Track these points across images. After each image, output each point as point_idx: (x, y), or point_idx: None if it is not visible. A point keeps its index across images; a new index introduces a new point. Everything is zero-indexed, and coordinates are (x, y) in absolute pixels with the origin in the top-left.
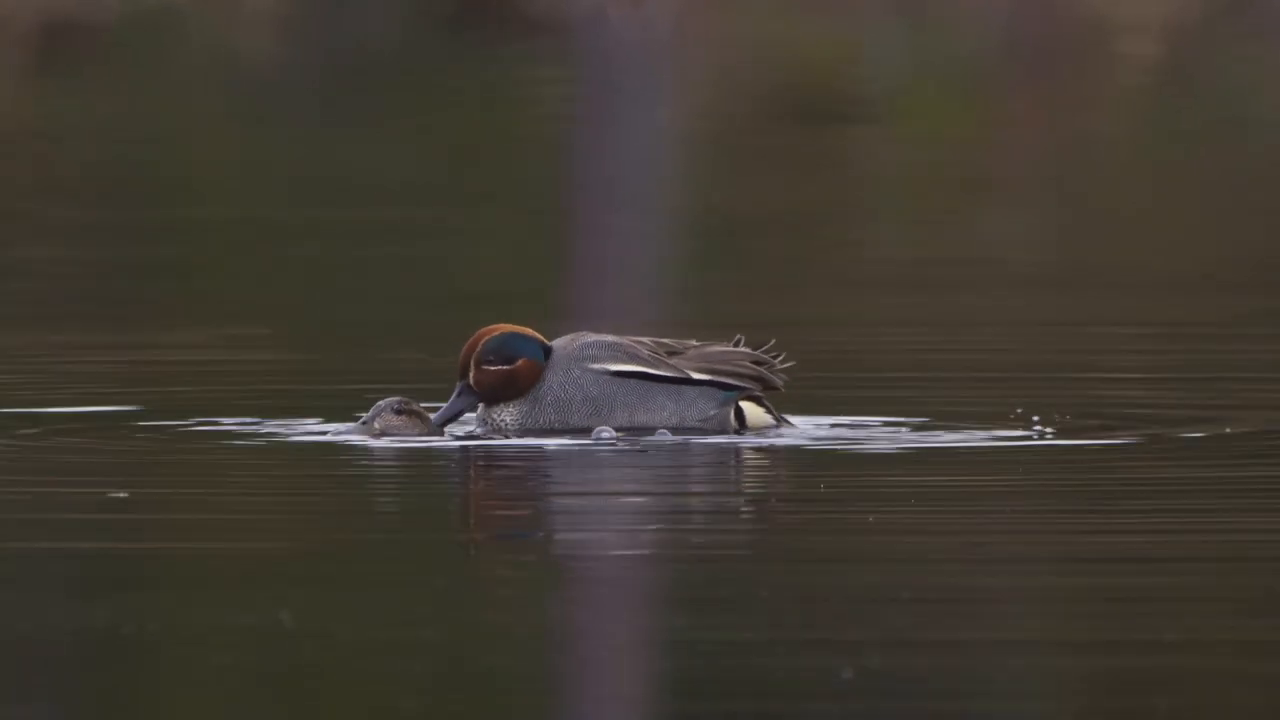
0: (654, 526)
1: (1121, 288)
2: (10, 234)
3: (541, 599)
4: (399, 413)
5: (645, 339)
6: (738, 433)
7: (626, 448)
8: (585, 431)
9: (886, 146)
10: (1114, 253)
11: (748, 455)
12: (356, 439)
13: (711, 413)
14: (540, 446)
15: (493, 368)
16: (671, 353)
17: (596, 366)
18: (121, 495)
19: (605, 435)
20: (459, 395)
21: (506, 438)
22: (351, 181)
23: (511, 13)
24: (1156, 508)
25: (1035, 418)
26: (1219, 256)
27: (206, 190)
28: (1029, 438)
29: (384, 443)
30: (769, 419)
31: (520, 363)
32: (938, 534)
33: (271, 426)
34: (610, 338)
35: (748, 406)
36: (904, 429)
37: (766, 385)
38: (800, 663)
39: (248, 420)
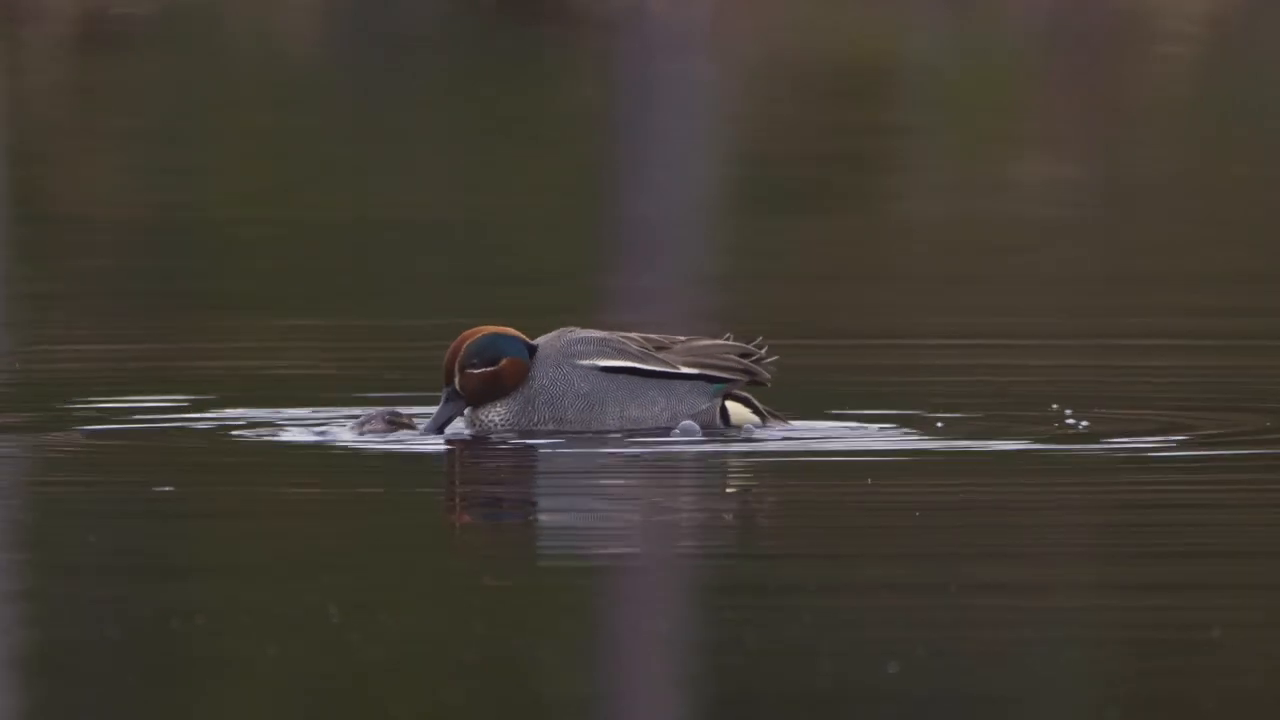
0: (682, 527)
1: (1160, 275)
2: (53, 229)
3: (582, 593)
4: (390, 423)
5: (633, 334)
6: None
7: (709, 440)
8: (581, 428)
9: (926, 129)
10: (1153, 237)
11: (770, 457)
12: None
13: (702, 407)
14: (577, 444)
15: (477, 371)
16: (659, 347)
17: (585, 362)
18: (166, 489)
19: (691, 430)
20: (446, 401)
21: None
22: (392, 167)
23: (554, 6)
24: (1193, 505)
25: (1069, 411)
26: (1257, 247)
27: (249, 178)
28: (1066, 438)
29: (396, 440)
30: (754, 417)
31: (504, 363)
32: (975, 529)
33: (295, 422)
34: (598, 333)
35: (733, 405)
36: (922, 428)
37: (754, 379)
38: (841, 660)
39: (279, 417)
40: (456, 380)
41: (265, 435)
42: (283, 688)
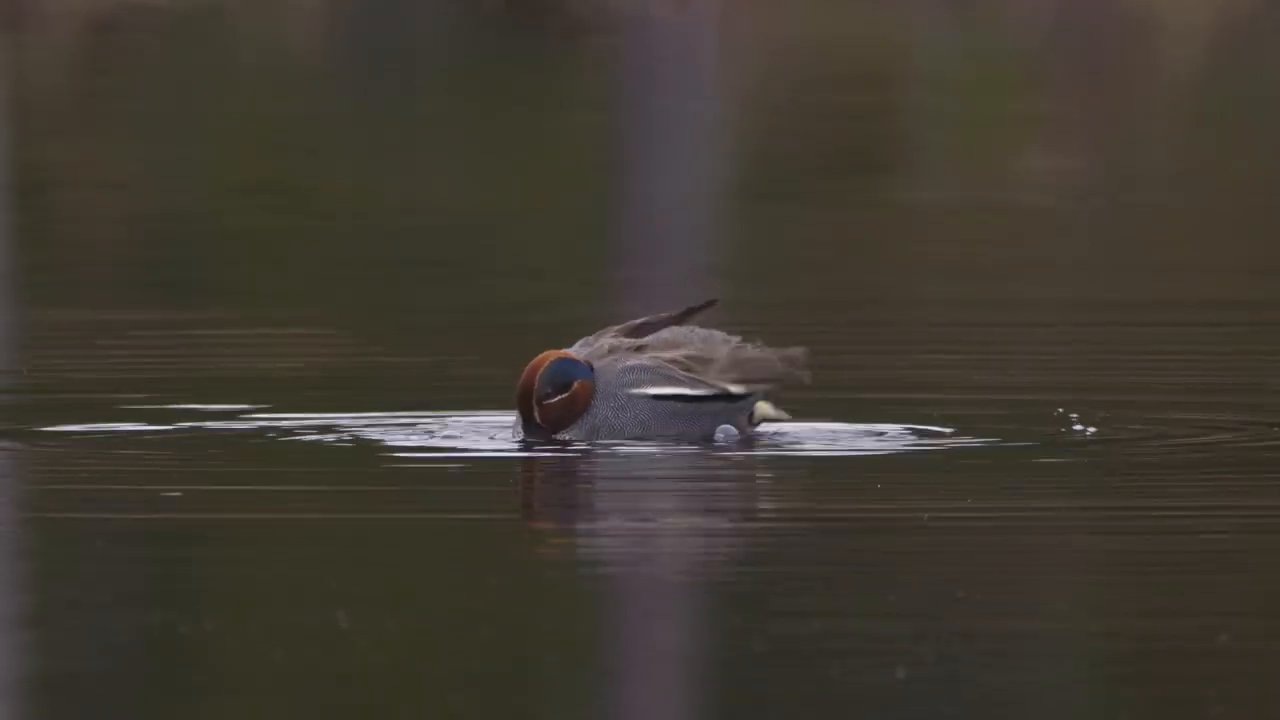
0: (705, 533)
1: (1164, 270)
2: (61, 223)
3: (595, 602)
4: None
5: (678, 354)
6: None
7: (741, 447)
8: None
9: (931, 125)
10: (1156, 240)
11: (795, 464)
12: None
13: (743, 415)
14: (606, 455)
15: (553, 400)
16: (703, 361)
17: (637, 391)
18: (175, 494)
19: (731, 434)
20: (530, 435)
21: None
22: (395, 165)
23: (558, 9)
24: (1198, 511)
25: (1074, 415)
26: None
27: (253, 176)
28: (1071, 444)
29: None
30: (770, 410)
31: (576, 386)
32: (987, 535)
33: (326, 425)
34: (646, 360)
35: (758, 404)
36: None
37: (794, 383)
38: (854, 663)
39: (299, 418)
40: (536, 415)
41: (274, 437)
42: (289, 695)
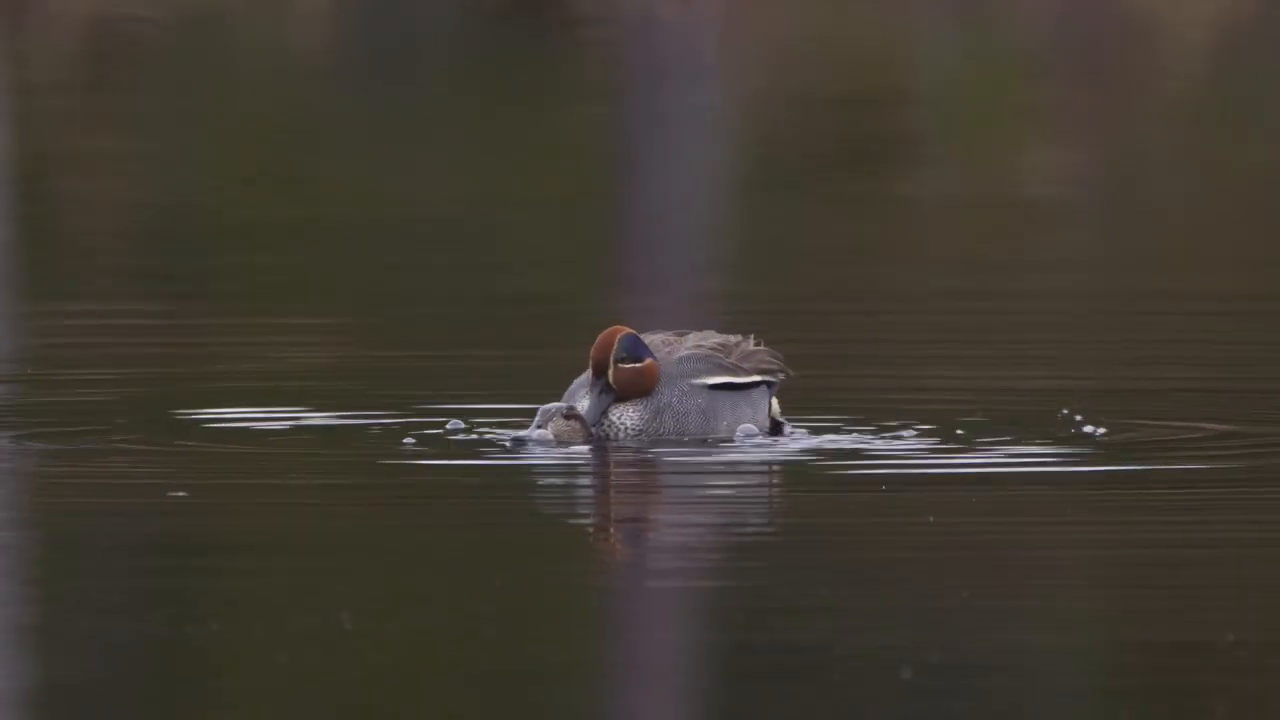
0: (709, 536)
1: (1167, 266)
2: (65, 219)
3: (598, 605)
4: (568, 417)
5: (712, 342)
6: (776, 425)
7: (767, 444)
8: (700, 438)
9: (935, 123)
10: (1158, 235)
11: (799, 465)
12: (537, 444)
13: (766, 409)
14: (650, 455)
15: (628, 365)
16: (727, 351)
17: (697, 381)
18: (180, 494)
19: (750, 433)
20: (600, 393)
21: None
22: (400, 171)
23: (561, 7)
24: (1202, 514)
25: (1079, 417)
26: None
27: (260, 185)
28: (1078, 447)
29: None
30: (779, 412)
31: (648, 362)
32: (992, 539)
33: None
34: (695, 349)
35: (775, 403)
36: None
37: (785, 378)
38: (860, 662)
39: (315, 416)
40: (610, 374)
41: (275, 435)
42: (293, 698)
